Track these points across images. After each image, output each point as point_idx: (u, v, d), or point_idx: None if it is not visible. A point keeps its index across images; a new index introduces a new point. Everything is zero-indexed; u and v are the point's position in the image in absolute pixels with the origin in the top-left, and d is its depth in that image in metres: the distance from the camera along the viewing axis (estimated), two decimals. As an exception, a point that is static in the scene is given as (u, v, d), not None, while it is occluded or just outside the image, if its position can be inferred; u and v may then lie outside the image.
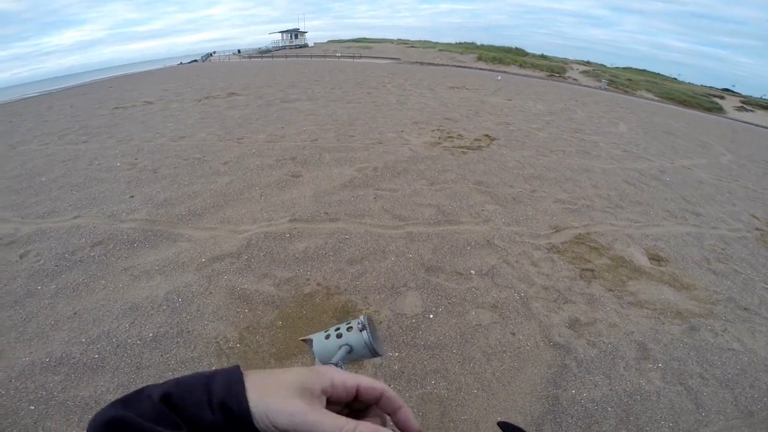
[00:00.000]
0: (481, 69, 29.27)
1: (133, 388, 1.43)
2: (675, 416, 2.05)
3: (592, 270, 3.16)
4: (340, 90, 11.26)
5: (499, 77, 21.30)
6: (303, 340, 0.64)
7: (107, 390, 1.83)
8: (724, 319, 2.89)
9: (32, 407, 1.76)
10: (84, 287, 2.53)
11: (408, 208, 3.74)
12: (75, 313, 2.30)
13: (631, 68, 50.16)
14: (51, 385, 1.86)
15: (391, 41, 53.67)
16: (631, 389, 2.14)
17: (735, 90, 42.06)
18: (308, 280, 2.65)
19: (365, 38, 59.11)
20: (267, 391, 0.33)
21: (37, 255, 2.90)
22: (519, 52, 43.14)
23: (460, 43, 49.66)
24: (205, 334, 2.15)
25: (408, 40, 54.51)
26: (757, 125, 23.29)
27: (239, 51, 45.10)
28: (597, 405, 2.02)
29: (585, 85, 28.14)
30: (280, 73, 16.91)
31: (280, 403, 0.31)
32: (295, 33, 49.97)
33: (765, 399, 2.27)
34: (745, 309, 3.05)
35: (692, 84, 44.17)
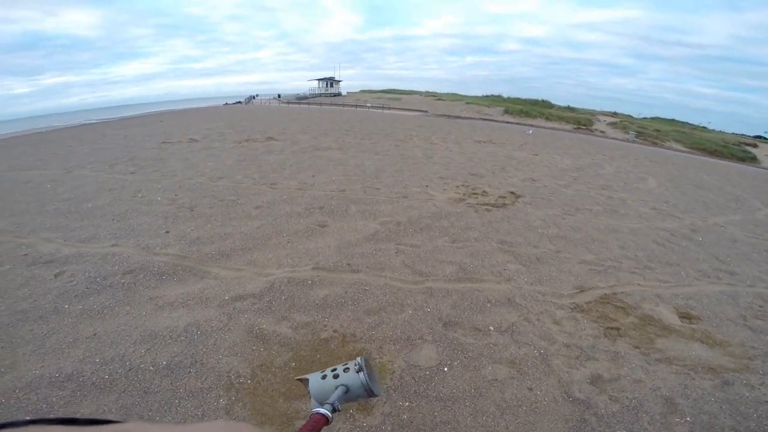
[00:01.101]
0: (507, 122, 29.95)
1: (135, 411, 1.50)
2: None
3: (618, 329, 3.06)
4: (369, 141, 11.83)
5: (530, 131, 21.67)
6: (299, 380, 0.67)
7: (109, 410, 1.86)
8: (761, 373, 2.71)
9: (28, 418, 1.80)
10: (108, 311, 2.67)
11: (429, 264, 3.79)
12: (94, 334, 2.41)
13: (659, 118, 49.55)
14: (54, 399, 1.90)
15: (420, 93, 56.23)
16: None
17: None
18: (325, 326, 2.70)
19: (395, 89, 62.29)
20: None
21: (71, 276, 3.11)
22: (545, 105, 44.02)
23: (486, 96, 51.43)
24: (219, 367, 2.21)
25: (436, 93, 57.04)
26: None
27: (279, 96, 48.51)
28: None
29: (612, 138, 28.03)
30: (314, 121, 18.12)
31: None
32: (331, 81, 53.18)
33: (803, 448, 2.05)
34: None
35: (722, 132, 42.58)
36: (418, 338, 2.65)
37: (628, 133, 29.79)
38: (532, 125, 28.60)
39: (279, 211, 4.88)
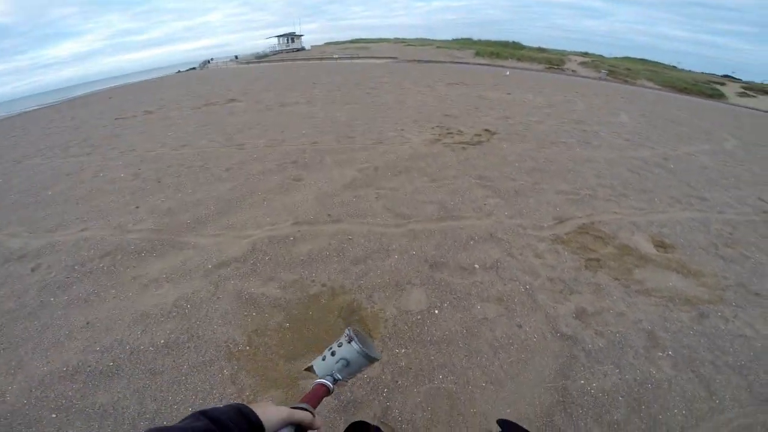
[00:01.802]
0: (479, 64, 29.14)
1: (148, 394, 1.54)
2: (688, 404, 2.02)
3: (598, 260, 3.15)
4: (338, 92, 11.26)
5: (508, 72, 21.27)
6: (307, 370, 0.69)
7: (124, 396, 1.85)
8: (734, 304, 2.82)
9: (54, 415, 1.80)
10: (95, 297, 2.57)
11: (410, 206, 3.75)
12: (88, 323, 2.34)
13: (630, 58, 49.57)
14: (70, 393, 1.89)
15: (388, 40, 53.46)
16: (642, 378, 2.11)
17: (735, 76, 41.09)
18: (313, 281, 2.66)
19: (362, 39, 58.94)
20: (267, 410, 0.55)
21: (48, 267, 2.94)
22: (516, 46, 42.95)
23: (456, 40, 49.65)
24: (215, 338, 2.18)
25: (405, 39, 54.37)
26: (760, 110, 22.98)
27: (236, 57, 45.18)
28: (607, 395, 2.00)
29: (584, 76, 27.88)
30: (277, 77, 16.97)
31: (279, 412, 0.55)
32: (291, 37, 49.96)
33: (782, 385, 2.16)
34: (757, 294, 2.98)
35: (692, 72, 43.43)
36: (407, 283, 2.66)
37: (600, 72, 29.69)
38: (503, 66, 27.99)
39: (250, 171, 4.64)
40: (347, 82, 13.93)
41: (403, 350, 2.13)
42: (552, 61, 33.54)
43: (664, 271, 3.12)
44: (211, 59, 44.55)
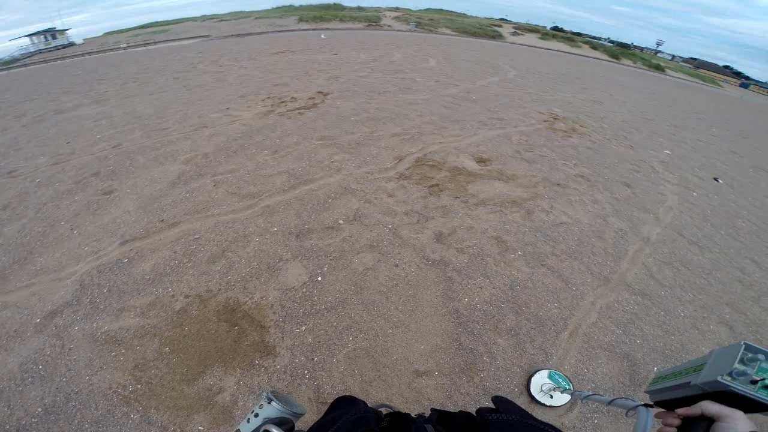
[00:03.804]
0: (304, 30, 28.29)
1: None
2: (555, 296, 2.30)
3: (437, 184, 3.57)
4: (134, 83, 9.28)
5: (323, 35, 21.19)
6: None
7: None
8: (547, 197, 3.41)
9: None
10: None
11: (256, 184, 3.52)
12: None
13: (431, 9, 56.47)
14: None
15: (195, 19, 46.35)
16: (509, 282, 2.38)
17: (508, 19, 52.15)
18: (173, 296, 2.30)
19: (157, 22, 49.25)
20: None
21: None
22: (337, 7, 43.32)
23: (277, 8, 46.86)
24: (96, 388, 1.80)
25: (216, 14, 48.02)
26: (527, 45, 29.89)
27: (-39, 67, 32.24)
28: (491, 305, 2.21)
29: (398, 30, 30.24)
30: (42, 82, 12.84)
31: None
32: (52, 33, 38.54)
33: (608, 261, 2.64)
34: (558, 185, 3.76)
35: (478, 17, 52.52)
36: (278, 261, 2.54)
37: (409, 24, 32.73)
38: (327, 28, 27.97)
39: (39, 199, 3.51)
40: (145, 70, 11.53)
41: (303, 327, 2.06)
42: (370, 18, 35.18)
43: (489, 180, 3.71)
44: None
